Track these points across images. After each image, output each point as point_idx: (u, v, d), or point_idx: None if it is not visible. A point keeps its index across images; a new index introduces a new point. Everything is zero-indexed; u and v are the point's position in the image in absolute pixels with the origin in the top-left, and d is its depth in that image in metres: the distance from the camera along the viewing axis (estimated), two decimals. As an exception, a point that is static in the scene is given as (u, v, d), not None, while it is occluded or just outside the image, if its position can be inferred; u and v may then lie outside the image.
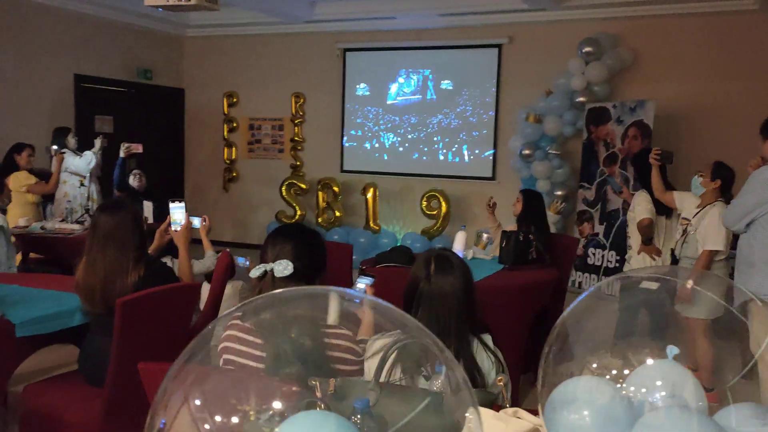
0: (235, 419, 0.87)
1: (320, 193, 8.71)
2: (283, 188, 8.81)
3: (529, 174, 7.56)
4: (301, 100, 9.12)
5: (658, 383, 1.02)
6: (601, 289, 1.22)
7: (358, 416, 1.48)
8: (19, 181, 5.81)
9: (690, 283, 1.49)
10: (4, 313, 2.65)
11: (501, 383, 1.66)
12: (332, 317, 1.87)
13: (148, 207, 5.86)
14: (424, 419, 1.58)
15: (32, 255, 5.43)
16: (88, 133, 7.63)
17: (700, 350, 2.96)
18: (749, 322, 3.63)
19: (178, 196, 6.49)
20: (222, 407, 0.90)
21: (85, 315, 2.85)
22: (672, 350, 1.10)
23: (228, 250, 3.84)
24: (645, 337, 1.19)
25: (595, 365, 1.03)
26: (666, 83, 7.09)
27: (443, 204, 8.01)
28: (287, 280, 1.91)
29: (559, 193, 7.41)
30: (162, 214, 6.43)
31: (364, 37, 8.65)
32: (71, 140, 6.47)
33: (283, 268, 1.91)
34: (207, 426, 0.88)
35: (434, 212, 8.07)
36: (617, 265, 6.80)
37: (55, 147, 6.20)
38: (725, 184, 4.10)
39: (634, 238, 4.58)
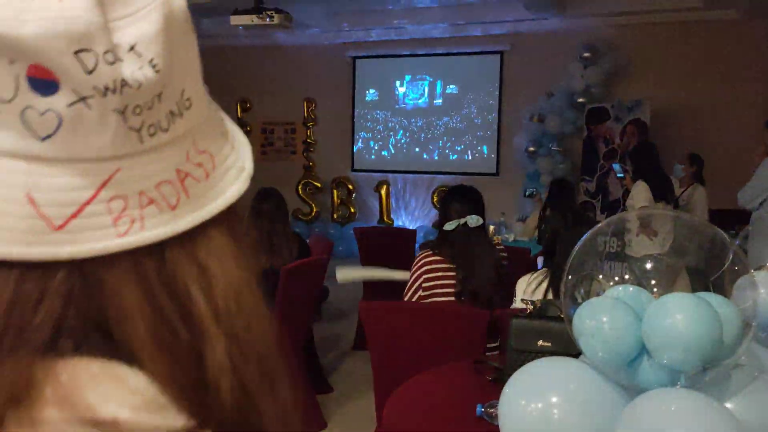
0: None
1: (335, 191, 9.26)
2: (299, 187, 9.33)
3: (534, 169, 8.24)
4: (313, 105, 9.65)
5: None
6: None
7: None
8: None
9: None
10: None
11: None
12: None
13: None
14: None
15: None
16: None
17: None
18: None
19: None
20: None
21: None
22: None
23: (316, 235, 4.38)
24: None
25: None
26: (657, 85, 7.85)
27: (454, 199, 8.63)
28: (475, 229, 2.61)
29: (561, 185, 8.11)
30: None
31: (372, 45, 9.23)
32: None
33: (476, 221, 2.59)
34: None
35: (446, 207, 8.68)
36: (618, 249, 7.51)
37: None
38: (699, 169, 5.63)
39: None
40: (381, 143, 9.41)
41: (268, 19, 4.66)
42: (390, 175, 9.26)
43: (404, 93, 9.24)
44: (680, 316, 1.20)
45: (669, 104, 7.71)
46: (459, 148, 9.05)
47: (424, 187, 9.07)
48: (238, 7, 5.80)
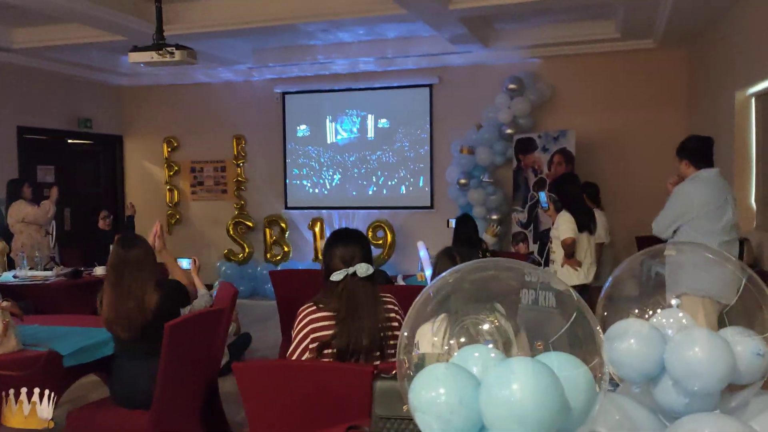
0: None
1: (267, 230, 9.01)
2: (230, 227, 9.05)
3: (465, 201, 8.19)
4: (243, 143, 9.44)
5: (673, 321, 1.53)
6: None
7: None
8: None
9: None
10: (49, 347, 2.88)
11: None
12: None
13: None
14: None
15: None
16: (32, 183, 7.63)
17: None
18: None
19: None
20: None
21: (115, 344, 3.11)
22: (675, 301, 1.62)
23: (224, 281, 4.15)
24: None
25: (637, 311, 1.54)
26: (582, 114, 7.95)
27: (388, 234, 8.51)
28: (364, 279, 2.38)
29: (494, 217, 8.07)
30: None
31: (302, 80, 9.12)
32: (26, 191, 6.54)
33: (366, 269, 2.37)
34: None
35: (380, 242, 8.54)
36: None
37: None
38: (591, 196, 6.13)
39: (558, 253, 5.19)
40: (314, 179, 9.24)
41: (168, 56, 4.45)
42: (325, 212, 9.09)
43: (336, 128, 9.13)
44: (516, 386, 1.05)
45: (593, 133, 7.80)
46: (393, 183, 8.96)
47: (361, 223, 8.91)
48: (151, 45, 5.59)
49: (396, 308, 2.53)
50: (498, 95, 8.00)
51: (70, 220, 8.77)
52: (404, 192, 8.92)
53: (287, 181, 9.31)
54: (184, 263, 4.29)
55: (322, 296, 2.46)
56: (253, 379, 2.15)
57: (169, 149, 9.68)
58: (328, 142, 9.16)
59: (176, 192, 9.70)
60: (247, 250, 9.06)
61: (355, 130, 9.06)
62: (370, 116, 8.99)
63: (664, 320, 1.52)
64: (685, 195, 3.99)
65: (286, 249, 8.99)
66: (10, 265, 6.10)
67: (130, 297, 2.88)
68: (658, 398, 1.43)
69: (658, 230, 4.13)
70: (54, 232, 6.42)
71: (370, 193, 9.03)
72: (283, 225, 8.96)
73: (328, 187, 9.19)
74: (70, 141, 8.92)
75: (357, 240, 2.52)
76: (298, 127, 9.25)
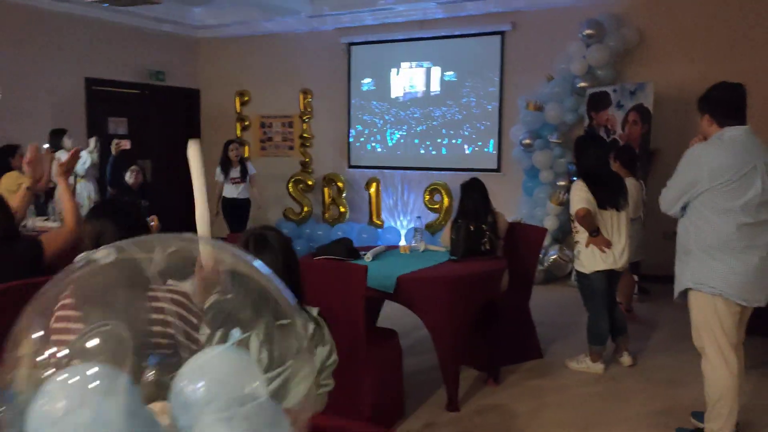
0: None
1: (326, 189, 8.66)
2: (290, 185, 8.80)
3: (530, 164, 7.27)
4: (309, 97, 9.10)
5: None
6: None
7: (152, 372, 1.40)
8: (11, 181, 5.98)
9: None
10: None
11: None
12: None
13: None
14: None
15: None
16: (102, 135, 7.79)
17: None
18: (690, 312, 3.32)
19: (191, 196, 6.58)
20: None
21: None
22: (234, 335, 0.99)
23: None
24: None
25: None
26: (673, 64, 6.67)
27: (445, 197, 7.81)
28: (112, 267, 1.87)
29: (562, 183, 7.09)
30: (153, 211, 6.56)
31: (367, 30, 8.53)
32: (67, 141, 6.65)
33: (105, 256, 1.86)
34: None
35: (436, 206, 7.88)
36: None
37: (46, 146, 6.37)
38: (625, 162, 5.11)
39: (582, 232, 4.25)
40: (378, 137, 8.70)
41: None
42: (387, 172, 8.55)
43: (400, 82, 8.48)
44: None
45: (681, 86, 6.50)
46: (457, 142, 8.19)
47: (420, 185, 8.29)
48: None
49: (174, 308, 1.97)
50: (571, 42, 6.92)
51: (150, 172, 8.93)
52: (469, 152, 8.12)
53: (351, 138, 8.85)
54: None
55: None
56: None
57: (241, 103, 9.58)
58: (392, 96, 8.54)
59: (246, 147, 9.61)
60: (305, 209, 8.78)
61: (420, 83, 8.35)
62: (435, 68, 8.23)
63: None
64: (694, 161, 3.00)
65: (342, 209, 8.59)
66: (42, 213, 6.25)
67: None
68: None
69: (665, 206, 3.18)
70: (88, 183, 6.48)
71: (434, 152, 8.33)
72: (339, 184, 8.55)
73: (391, 145, 8.61)
74: (143, 93, 9.06)
75: (111, 214, 1.98)
76: (362, 81, 8.71)
